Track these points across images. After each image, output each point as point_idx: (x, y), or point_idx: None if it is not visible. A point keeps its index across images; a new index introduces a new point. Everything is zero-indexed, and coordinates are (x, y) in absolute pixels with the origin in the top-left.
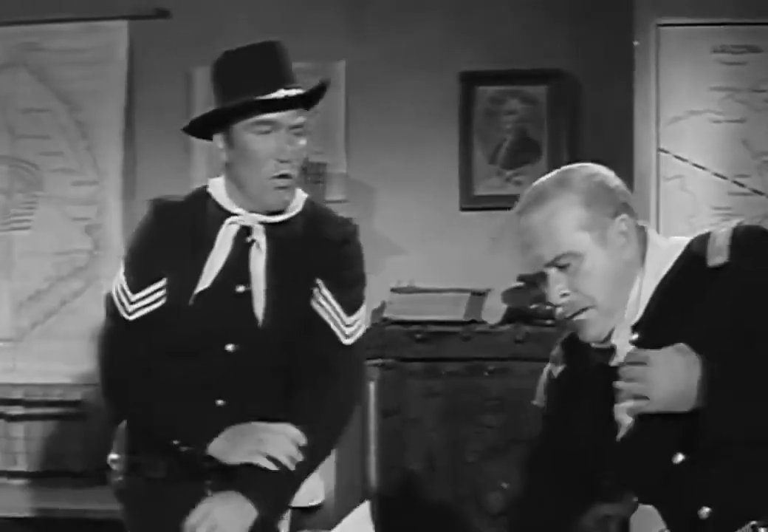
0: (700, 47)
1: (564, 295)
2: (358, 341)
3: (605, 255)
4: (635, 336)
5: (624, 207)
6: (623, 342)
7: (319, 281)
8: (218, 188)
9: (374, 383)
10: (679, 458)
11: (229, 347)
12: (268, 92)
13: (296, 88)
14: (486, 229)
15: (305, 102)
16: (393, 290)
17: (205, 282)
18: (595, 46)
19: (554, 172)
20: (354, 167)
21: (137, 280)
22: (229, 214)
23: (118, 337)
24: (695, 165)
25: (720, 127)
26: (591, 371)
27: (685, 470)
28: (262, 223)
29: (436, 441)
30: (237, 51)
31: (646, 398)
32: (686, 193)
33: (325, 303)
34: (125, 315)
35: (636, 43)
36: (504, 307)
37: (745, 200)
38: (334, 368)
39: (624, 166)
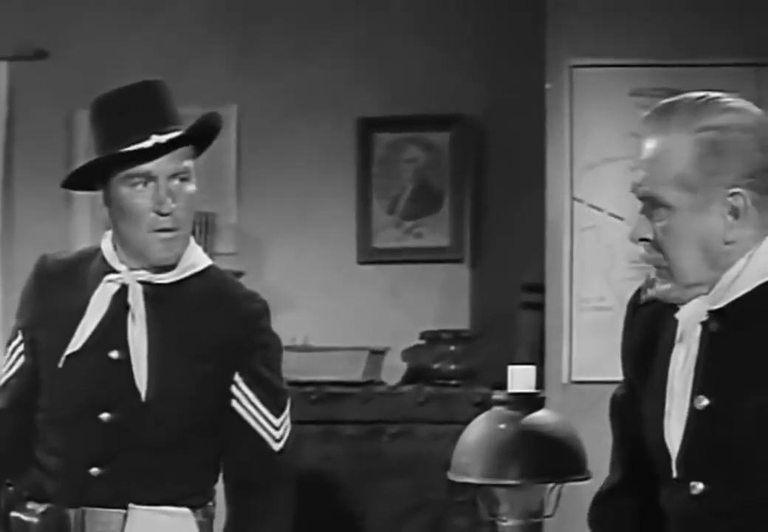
0: (616, 90)
1: (644, 240)
2: (288, 442)
3: (700, 225)
4: (709, 321)
5: (748, 180)
6: (690, 319)
7: (237, 377)
8: (107, 242)
9: None
10: (700, 487)
11: (104, 416)
12: (139, 141)
13: (174, 130)
14: (385, 284)
15: (190, 143)
16: (286, 349)
17: (75, 345)
18: (503, 90)
19: (704, 95)
20: (245, 217)
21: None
22: (113, 270)
23: None
24: (612, 215)
25: None
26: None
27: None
28: (145, 282)
29: (335, 510)
30: (110, 94)
31: None
32: (602, 244)
33: (249, 406)
34: None
35: (548, 85)
36: (404, 366)
37: None
38: (267, 482)
39: (535, 215)
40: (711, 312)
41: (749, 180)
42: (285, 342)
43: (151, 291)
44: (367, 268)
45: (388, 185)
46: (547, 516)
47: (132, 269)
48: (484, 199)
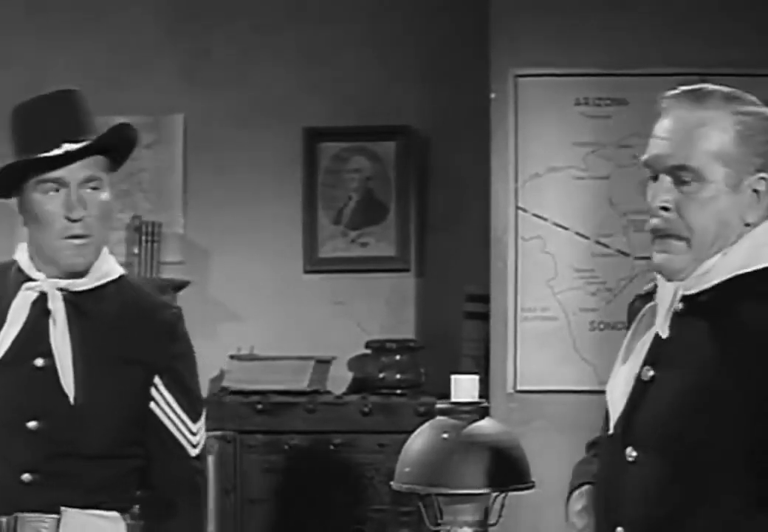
0: (561, 99)
1: (665, 208)
2: (203, 450)
3: (729, 199)
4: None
5: None
6: (666, 298)
7: (157, 380)
8: (22, 252)
9: (212, 457)
10: (634, 454)
11: (31, 424)
12: (50, 148)
13: (86, 139)
14: (330, 293)
15: (103, 152)
16: (232, 358)
17: None
18: (449, 100)
19: (728, 88)
20: (191, 227)
21: None
22: (30, 279)
23: None
24: (556, 224)
25: (583, 185)
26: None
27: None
28: (62, 290)
29: (279, 522)
30: (27, 102)
31: None
32: (546, 254)
33: (170, 411)
34: None
35: (493, 95)
36: (350, 375)
37: (609, 261)
38: (181, 486)
39: (480, 225)
40: (683, 296)
41: None
42: (231, 351)
43: (69, 298)
44: (312, 277)
45: (334, 195)
46: (491, 525)
47: (50, 277)
48: (429, 208)
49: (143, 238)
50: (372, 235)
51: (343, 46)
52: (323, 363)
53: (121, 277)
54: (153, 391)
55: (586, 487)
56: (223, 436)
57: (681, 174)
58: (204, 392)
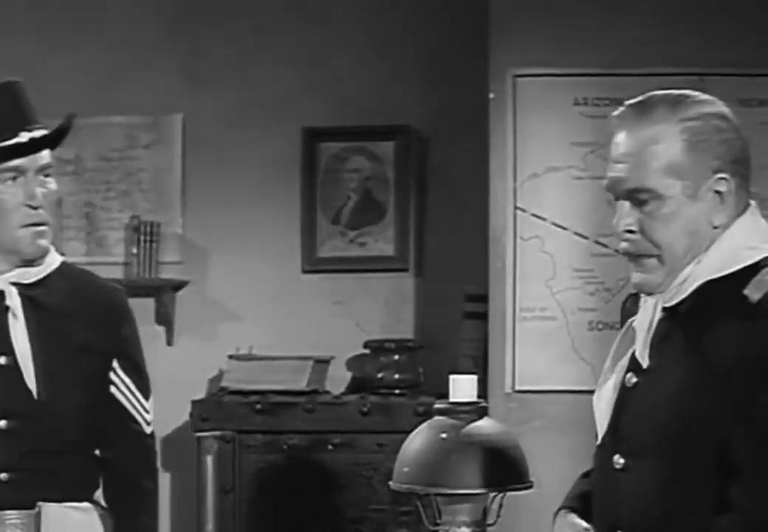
0: (559, 99)
1: (630, 231)
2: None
3: (691, 209)
4: (660, 317)
5: (731, 166)
6: (646, 317)
7: (115, 364)
8: None
9: (212, 457)
10: (621, 461)
11: (1, 424)
12: (11, 137)
13: (39, 128)
14: (329, 293)
15: (51, 142)
16: (231, 357)
17: None
18: (448, 100)
19: (675, 91)
20: (190, 227)
21: None
22: None
23: None
24: (555, 224)
25: (582, 184)
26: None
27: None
28: (15, 284)
29: (277, 522)
30: None
31: None
32: (545, 254)
33: (127, 391)
34: None
35: (491, 95)
36: (349, 375)
37: (608, 261)
38: (144, 466)
39: (478, 225)
40: (664, 308)
41: (733, 166)
42: (229, 351)
43: (23, 292)
44: (311, 277)
45: (333, 195)
46: (490, 525)
47: (1, 273)
48: (428, 208)
49: (142, 238)
50: (371, 235)
51: (343, 46)
52: (322, 363)
53: (62, 264)
54: (112, 375)
55: (569, 514)
56: (222, 436)
57: (638, 196)
58: (203, 391)
